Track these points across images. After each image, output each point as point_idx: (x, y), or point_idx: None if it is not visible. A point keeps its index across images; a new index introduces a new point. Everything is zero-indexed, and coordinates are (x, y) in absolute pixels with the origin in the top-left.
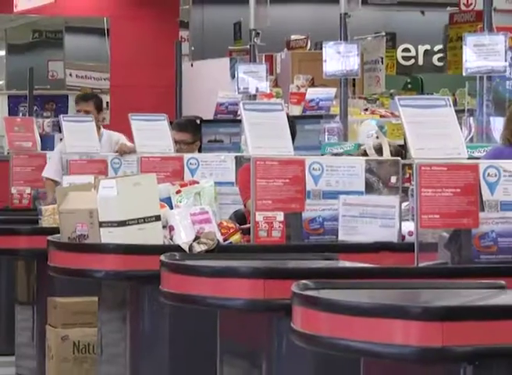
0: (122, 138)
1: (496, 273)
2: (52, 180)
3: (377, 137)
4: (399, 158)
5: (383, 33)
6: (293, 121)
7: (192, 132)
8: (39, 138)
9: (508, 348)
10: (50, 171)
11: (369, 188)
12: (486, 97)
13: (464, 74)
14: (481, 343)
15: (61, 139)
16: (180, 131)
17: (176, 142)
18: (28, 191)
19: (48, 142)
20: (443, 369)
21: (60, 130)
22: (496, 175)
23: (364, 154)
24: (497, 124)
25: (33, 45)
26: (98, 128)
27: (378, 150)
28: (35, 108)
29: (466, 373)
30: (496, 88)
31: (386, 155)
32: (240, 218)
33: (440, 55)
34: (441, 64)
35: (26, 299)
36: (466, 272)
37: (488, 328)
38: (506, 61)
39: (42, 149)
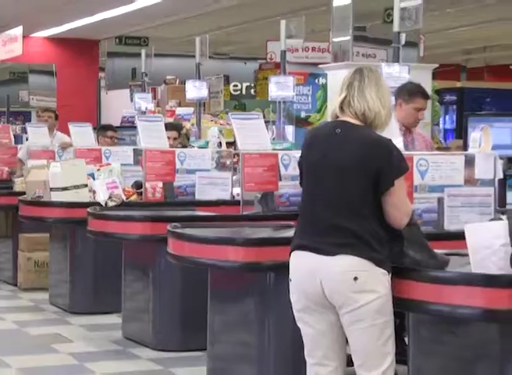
0: (65, 137)
1: (288, 218)
2: (21, 161)
3: (218, 137)
4: (231, 149)
5: (222, 75)
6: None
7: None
8: (13, 137)
9: None
10: (21, 155)
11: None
12: (282, 113)
13: (269, 99)
14: (278, 259)
15: (26, 138)
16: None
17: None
18: (6, 169)
19: (18, 140)
20: (258, 276)
21: (26, 132)
22: (288, 159)
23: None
24: (288, 130)
25: (9, 81)
26: (53, 130)
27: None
28: (10, 118)
29: (270, 277)
30: (287, 108)
31: (224, 147)
32: (138, 185)
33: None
34: (255, 94)
35: (6, 234)
36: (271, 217)
37: (285, 250)
38: (293, 92)
39: (15, 144)
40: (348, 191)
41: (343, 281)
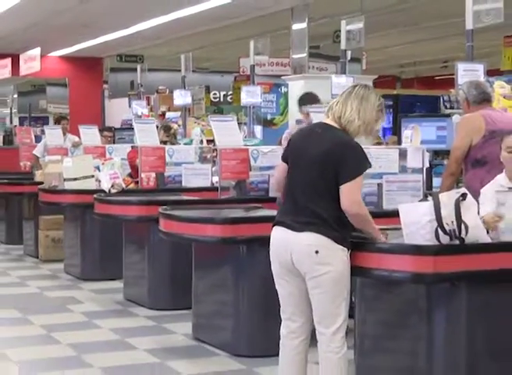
0: (75, 138)
1: (257, 201)
2: (36, 156)
3: (200, 136)
4: (211, 146)
5: (203, 86)
6: (172, 128)
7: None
8: (34, 137)
9: (263, 237)
10: (37, 152)
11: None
12: (252, 117)
13: (242, 105)
14: (249, 235)
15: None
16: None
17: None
18: (29, 163)
19: (38, 140)
20: (233, 248)
21: (44, 134)
22: (257, 153)
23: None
24: (257, 130)
25: (31, 92)
26: (66, 133)
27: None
28: (32, 122)
29: (244, 250)
30: (256, 112)
31: (205, 144)
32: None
33: (231, 96)
34: (231, 101)
35: (29, 216)
36: (243, 200)
37: (255, 227)
38: (261, 99)
39: (35, 143)
40: (315, 179)
41: (307, 253)
